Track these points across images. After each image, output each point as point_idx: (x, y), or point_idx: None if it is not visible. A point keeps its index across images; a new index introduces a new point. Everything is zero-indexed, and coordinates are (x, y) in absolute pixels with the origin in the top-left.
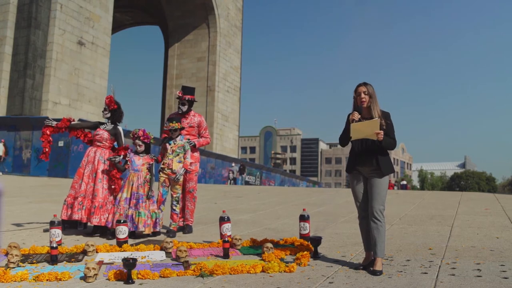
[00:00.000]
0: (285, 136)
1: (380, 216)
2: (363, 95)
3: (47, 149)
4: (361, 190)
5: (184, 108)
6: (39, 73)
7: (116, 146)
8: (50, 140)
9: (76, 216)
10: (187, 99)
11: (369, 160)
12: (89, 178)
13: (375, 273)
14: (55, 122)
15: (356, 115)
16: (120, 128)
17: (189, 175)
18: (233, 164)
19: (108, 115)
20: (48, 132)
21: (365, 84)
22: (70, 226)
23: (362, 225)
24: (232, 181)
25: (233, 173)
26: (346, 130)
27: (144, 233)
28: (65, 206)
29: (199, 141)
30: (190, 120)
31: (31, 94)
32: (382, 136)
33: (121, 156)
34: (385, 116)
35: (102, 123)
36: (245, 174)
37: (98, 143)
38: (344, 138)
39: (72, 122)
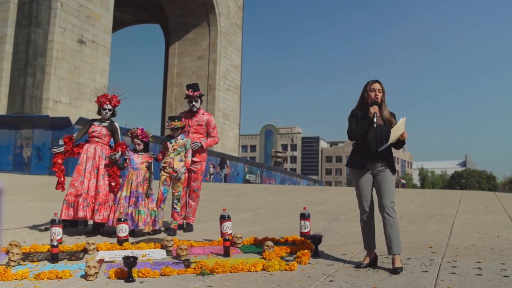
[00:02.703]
0: (285, 135)
1: (392, 212)
2: (377, 92)
3: (62, 179)
4: (368, 189)
5: (198, 105)
6: (40, 72)
7: (113, 143)
8: (63, 169)
9: (81, 214)
10: (198, 95)
11: (381, 157)
12: (90, 174)
13: (396, 271)
14: (63, 147)
15: (377, 109)
16: (116, 124)
17: (194, 174)
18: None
19: (110, 114)
20: (60, 161)
21: (378, 81)
22: (70, 224)
23: (365, 223)
24: (211, 176)
25: (213, 167)
26: (362, 127)
27: (144, 231)
28: (66, 205)
29: (207, 141)
30: (199, 118)
31: (31, 93)
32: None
33: (120, 153)
34: (392, 114)
35: (95, 120)
36: (226, 168)
37: (97, 139)
38: (355, 132)
39: (74, 137)
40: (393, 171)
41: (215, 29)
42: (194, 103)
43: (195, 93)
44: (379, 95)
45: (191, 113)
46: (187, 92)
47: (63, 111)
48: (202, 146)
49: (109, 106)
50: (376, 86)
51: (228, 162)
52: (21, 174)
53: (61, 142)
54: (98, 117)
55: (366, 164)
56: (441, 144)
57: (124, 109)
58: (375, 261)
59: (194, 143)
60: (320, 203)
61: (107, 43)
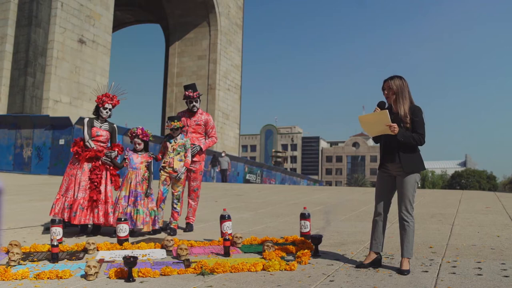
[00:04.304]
0: (285, 135)
1: (407, 216)
2: (386, 91)
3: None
4: (384, 190)
5: (198, 105)
6: (40, 71)
7: (109, 144)
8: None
9: (100, 220)
10: (198, 95)
11: (393, 156)
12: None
13: (402, 272)
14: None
15: (378, 110)
16: (115, 125)
17: (194, 174)
18: (223, 154)
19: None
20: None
21: (391, 78)
22: (70, 224)
23: (376, 224)
24: None
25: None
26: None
27: (142, 231)
28: (81, 210)
29: (205, 143)
30: (197, 118)
31: (32, 92)
32: (395, 129)
33: (116, 152)
34: (413, 111)
35: (92, 119)
36: (218, 167)
37: (102, 144)
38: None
39: (88, 144)
40: (410, 171)
41: (215, 29)
42: (194, 103)
43: (195, 93)
44: (388, 94)
45: (189, 113)
46: (186, 93)
47: (63, 111)
48: (201, 149)
49: (110, 106)
50: (385, 85)
51: (229, 160)
52: (21, 174)
53: (61, 142)
54: (93, 116)
55: (383, 164)
56: (441, 144)
57: (124, 108)
58: (377, 263)
59: (193, 145)
60: (320, 203)
61: (107, 43)
